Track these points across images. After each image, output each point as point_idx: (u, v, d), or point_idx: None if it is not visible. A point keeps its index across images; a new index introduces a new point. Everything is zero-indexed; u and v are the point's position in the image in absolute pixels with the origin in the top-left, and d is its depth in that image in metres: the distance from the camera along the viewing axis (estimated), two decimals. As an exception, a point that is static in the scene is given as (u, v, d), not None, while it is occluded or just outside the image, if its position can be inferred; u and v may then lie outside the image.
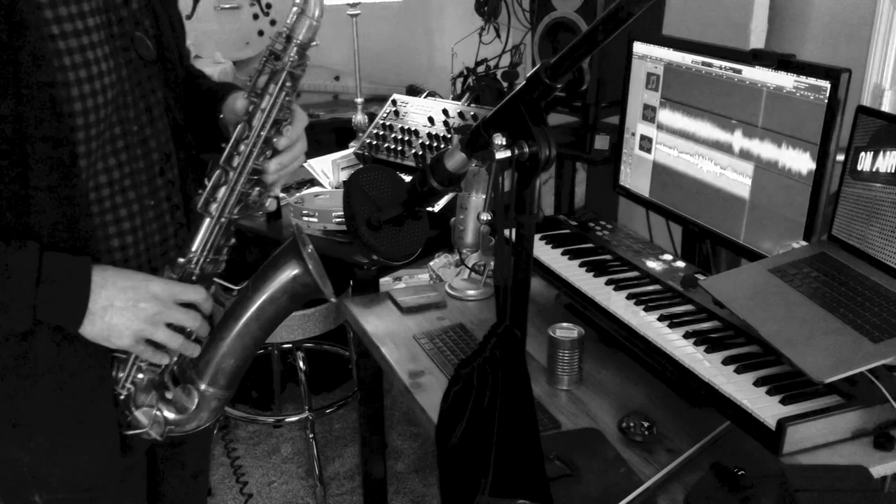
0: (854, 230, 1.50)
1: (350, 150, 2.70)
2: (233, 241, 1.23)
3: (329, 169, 2.57)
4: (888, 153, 1.42)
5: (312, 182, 2.60)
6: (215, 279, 1.23)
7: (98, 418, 1.19)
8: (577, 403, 1.53)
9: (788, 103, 1.53)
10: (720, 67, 1.66)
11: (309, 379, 2.66)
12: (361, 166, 2.56)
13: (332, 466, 2.73)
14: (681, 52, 1.76)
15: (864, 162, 1.47)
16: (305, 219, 2.25)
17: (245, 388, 3.00)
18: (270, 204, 1.23)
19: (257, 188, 1.22)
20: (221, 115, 1.33)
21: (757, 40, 2.53)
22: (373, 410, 2.06)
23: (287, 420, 2.88)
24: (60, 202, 1.08)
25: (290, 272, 1.21)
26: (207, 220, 1.18)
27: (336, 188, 2.50)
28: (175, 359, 1.20)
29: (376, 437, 2.11)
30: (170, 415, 1.20)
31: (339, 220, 2.20)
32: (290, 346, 2.67)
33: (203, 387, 1.20)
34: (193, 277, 1.19)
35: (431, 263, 2.87)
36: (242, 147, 1.18)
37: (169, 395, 1.20)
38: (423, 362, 1.67)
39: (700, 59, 1.71)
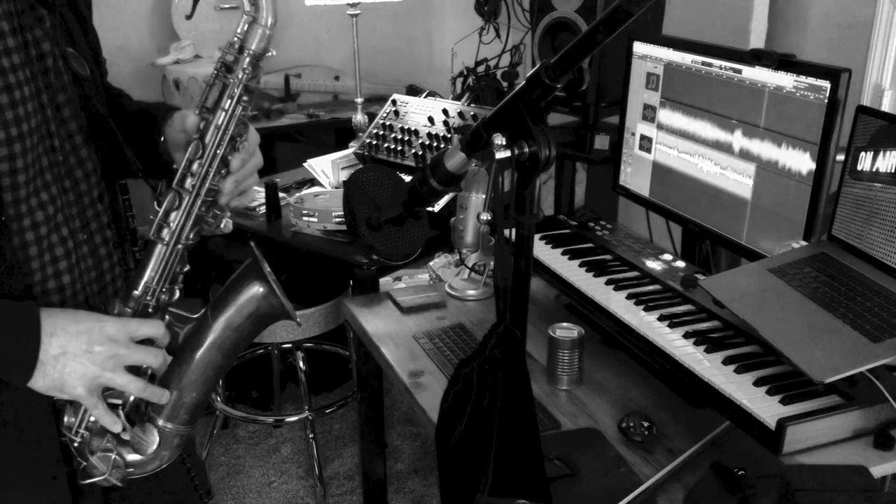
0: (854, 230, 1.50)
1: (350, 150, 2.70)
2: (187, 268, 1.14)
3: (329, 169, 2.58)
4: (888, 153, 1.42)
5: (312, 182, 2.60)
6: (170, 308, 1.14)
7: (45, 467, 1.10)
8: (577, 403, 1.53)
9: (788, 103, 1.53)
10: (720, 67, 1.66)
11: (309, 379, 2.65)
12: (361, 166, 2.56)
13: (332, 466, 2.73)
14: (681, 52, 1.76)
15: (864, 162, 1.47)
16: (305, 219, 2.26)
17: (245, 388, 3.00)
18: (226, 225, 1.17)
19: (212, 210, 1.13)
20: (162, 138, 1.22)
21: (757, 40, 2.53)
22: (373, 410, 2.06)
23: (287, 420, 2.87)
24: None
25: (253, 294, 1.11)
26: (160, 247, 1.10)
27: (336, 188, 2.50)
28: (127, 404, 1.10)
29: (376, 437, 2.11)
30: (129, 457, 1.11)
31: (339, 220, 2.20)
32: (290, 345, 2.66)
33: (161, 423, 1.10)
34: (150, 309, 1.11)
35: (431, 263, 2.88)
36: (196, 167, 1.09)
37: (126, 436, 1.10)
38: (423, 362, 1.67)
39: (700, 59, 1.71)
